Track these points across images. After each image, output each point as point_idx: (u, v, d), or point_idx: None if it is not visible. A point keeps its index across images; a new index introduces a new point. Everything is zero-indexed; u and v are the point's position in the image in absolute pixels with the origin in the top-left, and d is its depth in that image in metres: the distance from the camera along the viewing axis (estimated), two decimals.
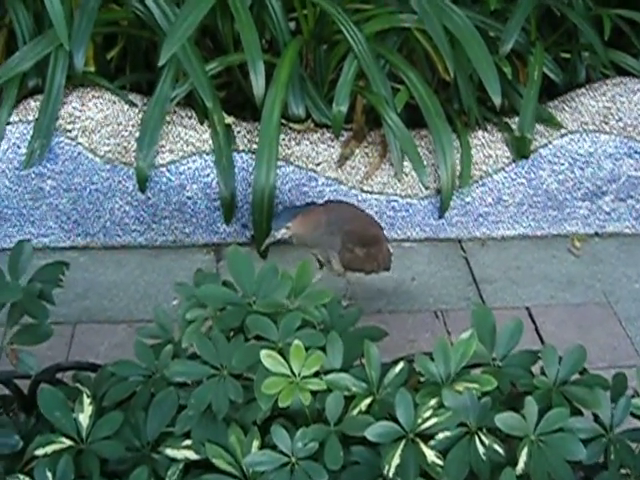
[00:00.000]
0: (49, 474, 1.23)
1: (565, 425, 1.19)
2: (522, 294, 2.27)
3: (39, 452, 1.27)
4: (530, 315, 2.20)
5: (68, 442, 1.28)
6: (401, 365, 1.27)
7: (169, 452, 1.30)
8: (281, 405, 1.15)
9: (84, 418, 1.31)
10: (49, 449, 1.27)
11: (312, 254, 2.01)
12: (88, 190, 2.25)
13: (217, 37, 2.45)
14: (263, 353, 1.17)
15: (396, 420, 1.19)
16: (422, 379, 1.32)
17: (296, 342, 1.18)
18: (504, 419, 1.17)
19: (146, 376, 1.39)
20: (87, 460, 1.27)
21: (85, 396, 1.32)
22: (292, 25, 2.47)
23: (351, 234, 1.96)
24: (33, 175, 2.22)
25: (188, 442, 1.29)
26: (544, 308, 2.23)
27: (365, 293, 2.24)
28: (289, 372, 1.17)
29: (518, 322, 1.35)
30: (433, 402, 1.19)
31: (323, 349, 1.27)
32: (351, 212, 2.05)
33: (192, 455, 1.29)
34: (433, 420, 1.17)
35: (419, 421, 1.18)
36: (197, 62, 2.17)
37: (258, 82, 2.19)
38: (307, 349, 1.24)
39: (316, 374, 1.22)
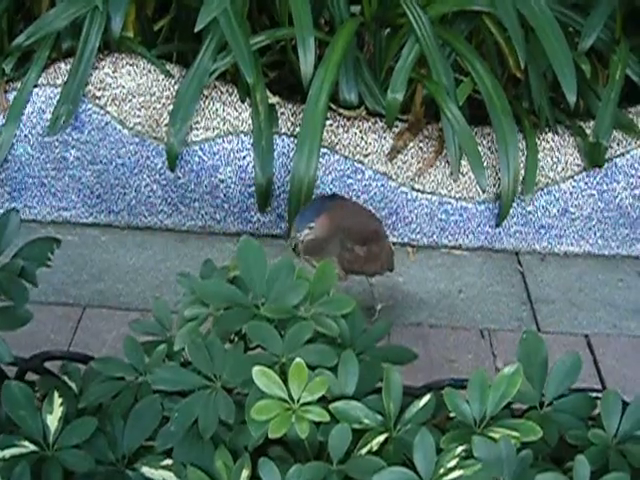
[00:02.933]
0: None
1: None
2: (582, 320, 2.02)
3: None
4: (589, 344, 1.95)
5: (31, 447, 1.10)
6: (427, 397, 1.05)
7: (145, 471, 1.11)
8: (271, 436, 0.94)
9: (52, 420, 1.13)
10: (7, 453, 1.09)
11: (305, 261, 1.76)
12: (114, 164, 2.09)
13: (274, 16, 2.27)
14: (256, 370, 0.96)
15: (413, 466, 0.97)
16: (452, 415, 1.10)
17: (297, 360, 0.97)
18: None
19: (135, 378, 1.21)
20: (49, 470, 1.09)
21: (56, 395, 1.14)
22: (356, 9, 2.26)
23: (350, 231, 1.76)
24: (57, 143, 2.07)
25: (169, 462, 1.10)
26: (605, 338, 1.98)
27: (405, 302, 2.02)
28: (286, 396, 0.97)
29: (576, 358, 1.12)
30: (460, 449, 0.97)
31: (335, 369, 1.06)
32: (349, 206, 1.84)
33: (171, 478, 1.10)
34: (458, 472, 0.95)
35: (441, 471, 0.96)
36: (241, 34, 1.98)
37: (307, 59, 2.00)
38: (315, 368, 1.04)
39: (322, 399, 1.01)
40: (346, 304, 1.15)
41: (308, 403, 0.97)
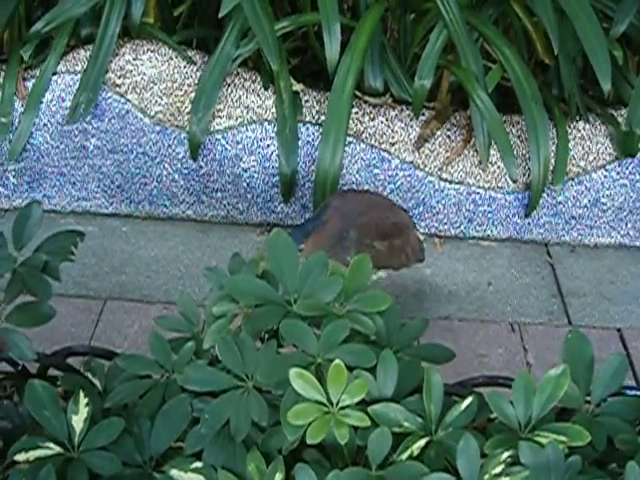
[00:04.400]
0: None
1: None
2: (614, 313, 1.97)
3: (20, 457, 1.05)
4: (622, 338, 1.90)
5: (56, 448, 1.07)
6: (470, 400, 1.01)
7: (174, 473, 1.07)
8: (309, 442, 0.90)
9: (78, 421, 1.09)
10: (32, 455, 1.06)
11: None
12: (135, 153, 2.04)
13: (296, 2, 2.21)
14: (293, 372, 0.92)
15: (457, 472, 0.93)
16: (493, 416, 1.05)
17: (337, 362, 0.93)
18: None
19: (161, 377, 1.17)
20: (75, 473, 1.05)
21: (81, 395, 1.10)
22: None
23: (366, 227, 1.68)
24: (76, 132, 2.02)
25: (199, 464, 1.06)
26: (638, 332, 1.92)
27: (434, 295, 1.97)
28: (325, 399, 0.92)
29: (621, 359, 1.07)
30: (506, 455, 0.92)
31: (372, 370, 1.01)
32: (364, 201, 1.76)
33: None
34: (504, 479, 0.90)
35: (485, 478, 0.91)
36: (265, 19, 1.92)
37: (332, 46, 1.95)
38: (352, 369, 0.99)
39: (360, 402, 0.96)
40: (382, 300, 1.10)
41: (347, 406, 0.93)
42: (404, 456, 0.95)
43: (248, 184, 2.07)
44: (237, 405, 1.03)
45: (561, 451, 0.94)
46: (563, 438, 0.95)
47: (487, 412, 1.07)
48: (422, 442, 0.97)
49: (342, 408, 0.93)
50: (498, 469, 0.92)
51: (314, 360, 1.01)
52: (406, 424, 0.98)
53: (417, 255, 1.81)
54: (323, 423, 0.90)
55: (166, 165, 2.06)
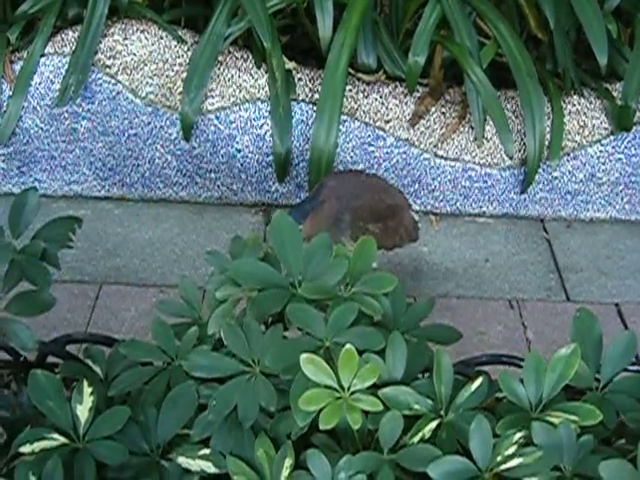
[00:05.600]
0: (33, 478, 1.00)
1: None
2: (611, 288, 1.97)
3: (25, 449, 1.03)
4: (619, 313, 1.90)
5: (61, 439, 1.05)
6: (479, 381, 1.00)
7: (182, 461, 1.06)
8: (322, 427, 0.89)
9: (82, 411, 1.07)
10: (37, 446, 1.04)
11: None
12: (126, 135, 2.01)
13: None
14: (304, 357, 0.90)
15: (468, 454, 0.92)
16: (501, 396, 1.05)
17: (348, 346, 0.91)
18: (611, 468, 0.88)
19: (165, 363, 1.16)
20: (81, 463, 1.04)
21: (86, 384, 1.08)
22: None
23: (360, 210, 1.68)
24: (66, 114, 1.99)
25: (206, 451, 1.05)
26: (636, 306, 1.92)
27: (432, 273, 1.96)
28: (336, 384, 0.91)
29: (631, 336, 1.06)
30: (519, 436, 0.92)
31: (381, 352, 1.00)
32: (358, 183, 1.74)
33: (210, 468, 1.04)
34: (517, 460, 0.90)
35: (499, 459, 0.91)
36: None
37: (325, 23, 1.92)
38: (362, 353, 0.98)
39: (371, 386, 0.95)
40: (388, 282, 1.09)
41: (359, 391, 0.92)
42: (416, 439, 0.94)
43: (242, 164, 2.05)
44: (244, 391, 1.02)
45: (573, 430, 0.93)
46: (575, 417, 0.95)
47: (495, 392, 1.06)
48: (433, 424, 0.96)
49: (353, 393, 0.92)
50: (511, 450, 0.91)
51: (322, 344, 0.99)
52: (416, 407, 0.97)
53: (411, 235, 1.80)
54: (335, 408, 0.89)
55: (158, 147, 2.03)
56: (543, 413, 0.96)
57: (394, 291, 1.10)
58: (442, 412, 0.98)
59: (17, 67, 1.98)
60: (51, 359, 1.32)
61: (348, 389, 0.92)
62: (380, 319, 1.10)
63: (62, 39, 1.97)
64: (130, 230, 2.03)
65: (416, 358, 1.03)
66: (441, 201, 2.10)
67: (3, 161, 2.06)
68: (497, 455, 0.92)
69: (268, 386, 1.02)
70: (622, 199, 2.15)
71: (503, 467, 0.91)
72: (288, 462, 0.99)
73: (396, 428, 0.94)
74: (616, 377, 1.08)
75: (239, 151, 2.03)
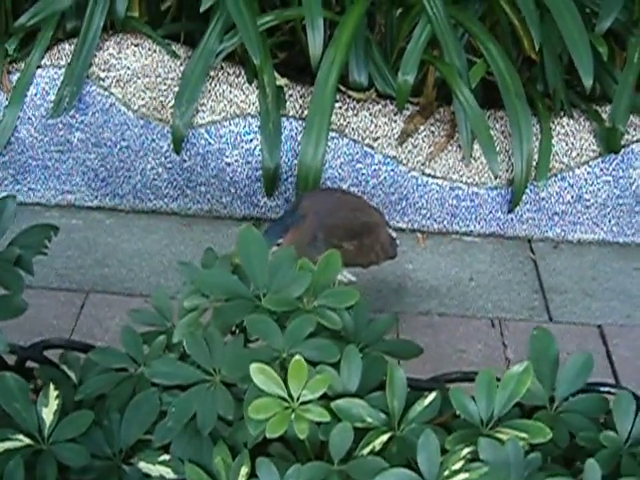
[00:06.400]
0: None
1: None
2: (595, 310, 1.97)
3: None
4: (602, 335, 1.91)
5: (26, 440, 1.07)
6: (433, 395, 1.01)
7: (143, 466, 1.08)
8: (268, 436, 0.90)
9: (48, 413, 1.09)
10: (1, 447, 1.06)
11: None
12: (118, 147, 2.05)
13: None
14: (254, 367, 0.93)
15: (418, 467, 0.93)
16: (458, 412, 1.06)
17: (297, 357, 0.93)
18: None
19: (134, 370, 1.18)
20: (44, 465, 1.06)
21: (52, 387, 1.11)
22: None
23: (333, 228, 1.69)
24: (60, 125, 2.03)
25: (166, 457, 1.07)
26: (618, 328, 1.93)
27: (415, 290, 1.98)
28: (285, 394, 0.93)
29: (588, 357, 1.07)
30: (466, 451, 0.93)
31: (338, 364, 1.02)
32: (332, 201, 1.76)
33: (169, 474, 1.06)
34: (463, 475, 0.91)
35: (445, 473, 0.92)
36: (248, 13, 1.93)
37: (315, 40, 1.95)
38: (317, 364, 1.00)
39: (324, 396, 0.97)
40: (350, 296, 1.10)
41: (308, 401, 0.94)
42: (365, 451, 0.96)
43: (231, 178, 2.08)
44: (204, 399, 1.04)
45: (521, 447, 0.94)
46: (524, 435, 0.96)
47: (453, 408, 1.08)
48: (384, 437, 0.97)
49: (304, 403, 0.94)
50: (458, 465, 0.93)
51: (279, 355, 1.01)
52: (369, 419, 0.98)
53: (387, 253, 1.80)
54: (283, 418, 0.91)
55: (150, 159, 2.06)
56: (493, 430, 0.98)
57: (357, 305, 1.12)
58: (395, 426, 1.00)
59: (14, 78, 2.02)
60: (31, 364, 1.35)
61: (297, 399, 0.93)
62: (342, 333, 1.12)
63: (58, 51, 2.02)
64: (120, 240, 2.06)
65: (372, 372, 1.04)
66: (428, 219, 2.12)
67: None
68: (444, 469, 0.93)
69: (227, 395, 1.04)
70: (610, 221, 2.16)
71: None
72: (244, 470, 1.01)
73: (346, 440, 0.95)
74: (574, 397, 1.09)
75: (229, 165, 2.06)
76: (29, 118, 2.02)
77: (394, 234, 1.80)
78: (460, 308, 1.94)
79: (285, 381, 0.94)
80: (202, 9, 1.85)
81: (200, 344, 1.07)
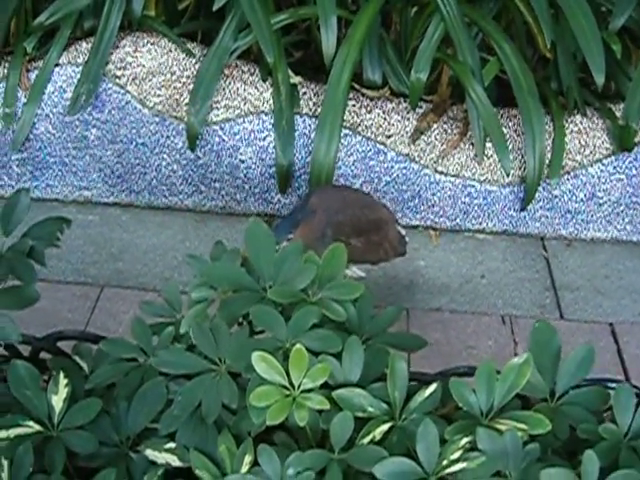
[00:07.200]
0: (5, 462, 1.05)
1: None
2: (607, 307, 1.97)
3: (0, 435, 1.09)
4: (613, 333, 1.91)
5: (36, 427, 1.10)
6: (434, 386, 1.03)
7: (149, 453, 1.10)
8: (269, 423, 0.92)
9: (57, 401, 1.12)
10: (12, 432, 1.09)
11: None
12: (134, 143, 2.08)
13: None
14: (255, 355, 0.94)
15: (417, 457, 0.95)
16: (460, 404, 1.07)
17: (297, 346, 0.95)
18: (552, 476, 0.91)
19: (143, 360, 1.20)
20: (53, 451, 1.09)
21: (61, 375, 1.13)
22: None
23: (341, 225, 1.69)
24: (77, 122, 2.06)
25: (172, 445, 1.09)
26: (630, 326, 1.93)
27: (427, 287, 1.98)
28: (286, 382, 0.95)
29: (589, 350, 1.08)
30: (465, 441, 0.94)
31: (340, 355, 1.04)
32: (341, 198, 1.75)
33: (175, 461, 1.09)
34: (461, 465, 0.92)
35: (444, 463, 0.93)
36: (262, 12, 1.95)
37: (329, 38, 1.97)
38: (319, 354, 1.01)
39: (326, 386, 0.99)
40: (355, 289, 1.12)
41: (309, 390, 0.95)
42: (366, 440, 0.97)
43: (245, 175, 2.10)
44: (209, 388, 1.06)
45: (519, 438, 0.96)
46: (523, 426, 0.97)
47: (455, 400, 1.09)
48: (385, 427, 0.99)
49: (305, 391, 0.95)
50: (456, 454, 0.94)
51: (283, 345, 1.03)
52: (370, 409, 1.00)
53: (396, 250, 1.80)
54: (284, 405, 0.93)
55: (165, 156, 2.09)
56: (492, 421, 0.99)
57: (362, 298, 1.14)
58: (395, 416, 1.01)
59: (32, 76, 2.05)
60: (45, 355, 1.37)
61: (298, 387, 0.95)
62: (347, 325, 1.14)
63: (76, 50, 2.05)
64: (135, 236, 2.09)
65: (375, 363, 1.06)
66: (441, 216, 2.13)
67: (17, 166, 2.14)
68: (443, 459, 0.94)
69: (231, 384, 1.06)
70: (623, 219, 2.16)
71: (448, 471, 0.94)
72: (248, 458, 1.03)
73: (346, 428, 0.97)
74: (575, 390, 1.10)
75: (243, 162, 2.08)
76: (47, 115, 2.06)
77: (403, 231, 1.81)
78: (471, 305, 1.94)
79: (287, 370, 0.96)
80: (215, 7, 1.87)
81: (206, 334, 1.09)
